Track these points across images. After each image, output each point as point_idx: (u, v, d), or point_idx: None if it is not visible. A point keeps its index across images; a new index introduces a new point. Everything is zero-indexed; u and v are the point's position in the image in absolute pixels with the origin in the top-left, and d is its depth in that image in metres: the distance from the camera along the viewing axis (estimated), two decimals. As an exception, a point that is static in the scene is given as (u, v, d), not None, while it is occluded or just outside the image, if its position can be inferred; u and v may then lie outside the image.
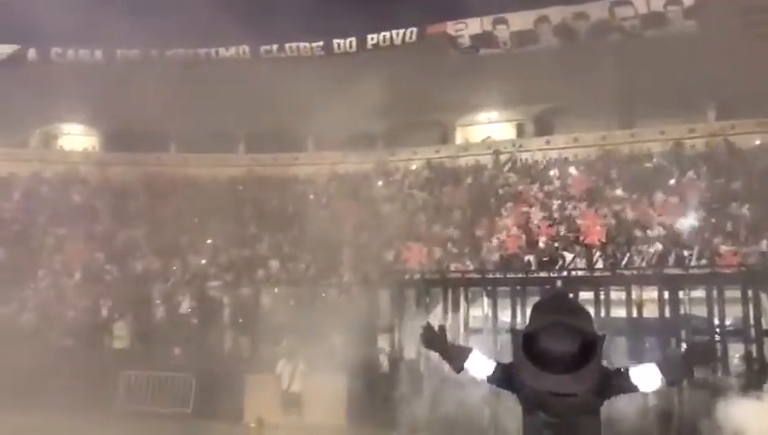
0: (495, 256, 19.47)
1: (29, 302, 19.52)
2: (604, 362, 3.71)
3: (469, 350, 4.04)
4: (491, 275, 16.04)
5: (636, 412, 10.83)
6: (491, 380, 3.91)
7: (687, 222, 18.96)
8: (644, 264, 17.26)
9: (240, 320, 17.56)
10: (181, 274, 21.13)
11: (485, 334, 13.99)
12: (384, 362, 14.73)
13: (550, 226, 20.23)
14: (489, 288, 14.62)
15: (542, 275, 15.87)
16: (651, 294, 13.43)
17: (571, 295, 4.35)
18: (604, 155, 24.88)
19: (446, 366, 4.26)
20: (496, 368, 3.88)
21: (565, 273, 16.14)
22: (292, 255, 21.23)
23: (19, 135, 29.97)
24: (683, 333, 12.99)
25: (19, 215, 25.19)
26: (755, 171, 20.96)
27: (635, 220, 19.72)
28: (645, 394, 11.29)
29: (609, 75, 22.51)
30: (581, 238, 19.16)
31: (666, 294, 13.12)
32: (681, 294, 13.40)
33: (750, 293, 12.92)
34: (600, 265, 17.67)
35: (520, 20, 26.04)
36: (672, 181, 21.81)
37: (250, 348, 16.61)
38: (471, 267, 18.54)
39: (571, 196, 22.20)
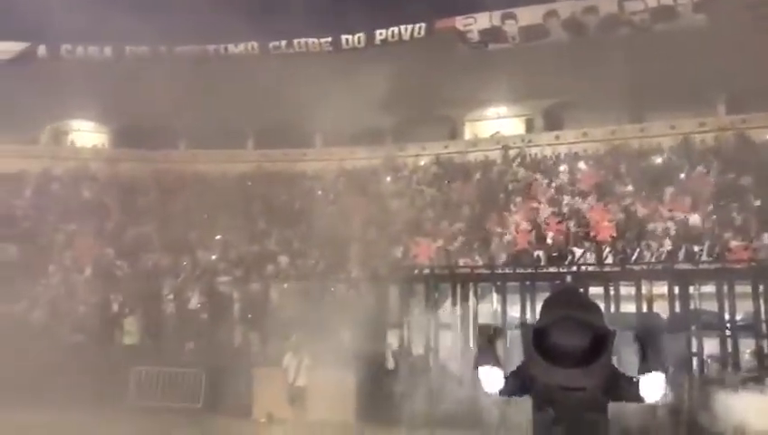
0: (505, 252, 19.44)
1: (40, 298, 19.63)
2: (614, 358, 3.72)
3: (495, 360, 3.95)
4: (500, 271, 16.00)
5: (645, 407, 10.81)
6: (503, 393, 3.90)
7: (697, 217, 18.87)
8: (654, 259, 17.19)
9: (249, 315, 17.62)
10: (191, 269, 21.21)
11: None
12: (392, 357, 14.73)
13: (559, 221, 20.17)
14: (498, 283, 14.60)
15: (552, 270, 15.81)
16: (661, 289, 13.38)
17: (581, 291, 4.36)
18: (614, 150, 24.77)
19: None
20: (507, 380, 3.86)
21: (575, 268, 16.09)
22: (301, 250, 21.26)
23: (29, 132, 30.11)
24: (693, 329, 12.93)
25: (30, 211, 25.32)
26: (766, 165, 20.82)
27: (645, 215, 19.65)
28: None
29: (619, 69, 22.37)
30: (591, 234, 19.11)
31: (676, 290, 13.06)
32: (691, 289, 13.34)
33: (761, 288, 12.85)
34: (609, 260, 17.61)
35: (529, 15, 25.96)
36: (682, 176, 21.71)
37: (259, 343, 16.66)
38: (480, 263, 18.53)
39: (581, 191, 22.12)
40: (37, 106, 27.13)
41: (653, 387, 3.64)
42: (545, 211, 21.02)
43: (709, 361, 13.07)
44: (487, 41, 26.51)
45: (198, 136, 29.20)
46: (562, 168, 24.38)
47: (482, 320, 14.23)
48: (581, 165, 24.02)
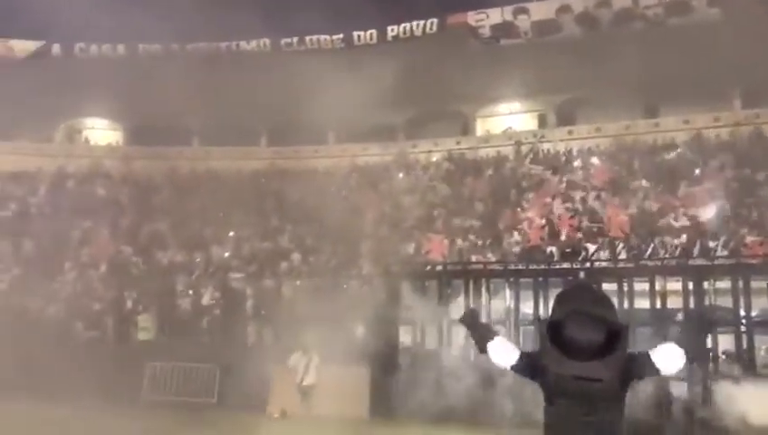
0: (517, 248, 19.40)
1: (55, 295, 19.81)
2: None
3: (494, 333, 4.07)
4: (513, 267, 15.99)
5: (659, 405, 10.78)
6: (515, 368, 3.91)
7: (712, 212, 18.74)
8: (668, 255, 17.10)
9: (263, 312, 17.70)
10: (205, 266, 21.32)
11: (508, 326, 13.97)
12: (405, 353, 14.75)
13: (572, 217, 20.10)
14: (511, 280, 14.59)
15: (565, 266, 15.78)
16: (675, 285, 13.32)
17: (594, 286, 4.38)
18: (627, 145, 24.64)
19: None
20: (521, 357, 3.88)
21: (588, 264, 16.04)
22: (313, 247, 21.31)
23: (44, 130, 30.38)
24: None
25: (45, 209, 25.55)
26: (782, 160, 20.67)
27: (659, 211, 19.54)
28: (668, 386, 11.25)
29: (632, 64, 22.22)
30: (605, 229, 19.04)
31: (690, 285, 12.99)
32: (706, 284, 13.27)
33: (777, 283, 12.77)
34: (623, 256, 17.53)
35: (541, 9, 25.85)
36: (697, 171, 21.56)
37: (273, 340, 16.73)
38: (492, 259, 18.51)
39: (594, 186, 22.03)
40: (52, 104, 27.35)
41: (668, 357, 3.64)
42: (558, 207, 20.96)
43: (724, 357, 13.01)
44: (499, 36, 26.42)
45: (211, 133, 29.33)
46: (575, 163, 24.28)
47: (495, 316, 14.26)
48: (594, 160, 23.91)
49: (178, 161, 28.20)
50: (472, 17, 26.74)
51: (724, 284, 13.32)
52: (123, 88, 25.80)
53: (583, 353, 3.59)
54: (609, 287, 12.61)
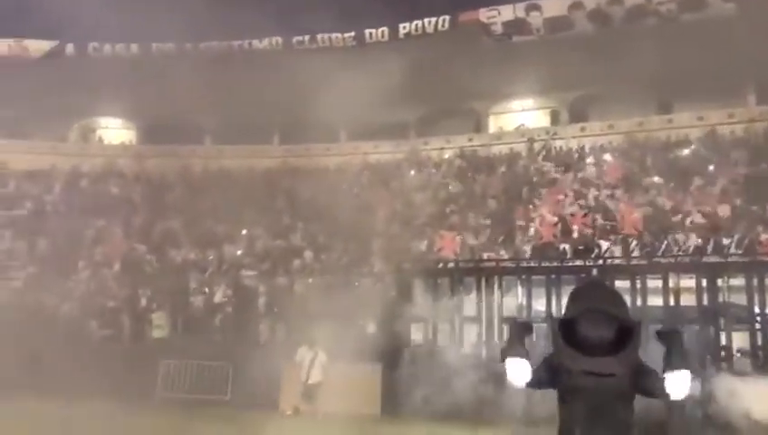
0: (530, 245, 19.36)
1: (70, 293, 19.97)
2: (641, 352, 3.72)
3: (523, 354, 3.92)
4: (525, 264, 15.94)
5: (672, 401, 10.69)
6: (530, 385, 3.90)
7: (726, 209, 18.61)
8: (681, 252, 17.00)
9: (275, 309, 17.76)
10: (218, 264, 21.42)
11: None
12: (417, 351, 14.75)
13: (585, 214, 20.03)
14: (524, 277, 14.54)
15: (578, 263, 15.71)
16: (689, 282, 13.24)
17: (607, 284, 4.39)
18: (640, 142, 24.50)
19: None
20: (533, 372, 3.87)
21: (601, 261, 15.98)
22: (325, 245, 21.36)
23: (59, 129, 30.63)
24: (722, 322, 12.78)
25: (60, 207, 25.76)
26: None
27: (672, 208, 19.44)
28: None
29: (646, 60, 22.11)
30: (618, 227, 18.96)
31: (704, 283, 12.91)
32: (720, 282, 13.18)
33: (792, 281, 12.66)
34: (636, 253, 17.46)
35: (553, 6, 25.75)
36: (711, 168, 21.41)
37: (285, 337, 16.78)
38: (505, 256, 18.47)
39: (607, 183, 21.94)
40: (66, 104, 27.57)
41: (678, 384, 3.64)
42: (571, 204, 20.88)
43: (738, 354, 12.91)
44: (511, 33, 26.34)
45: (224, 132, 29.45)
46: (588, 160, 24.18)
47: (507, 313, 14.23)
48: (607, 157, 23.80)
49: (191, 160, 28.34)
50: (484, 14, 26.69)
51: (737, 281, 13.21)
52: (136, 87, 25.96)
53: (596, 350, 3.61)
54: (621, 285, 12.56)
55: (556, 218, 20.14)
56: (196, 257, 22.02)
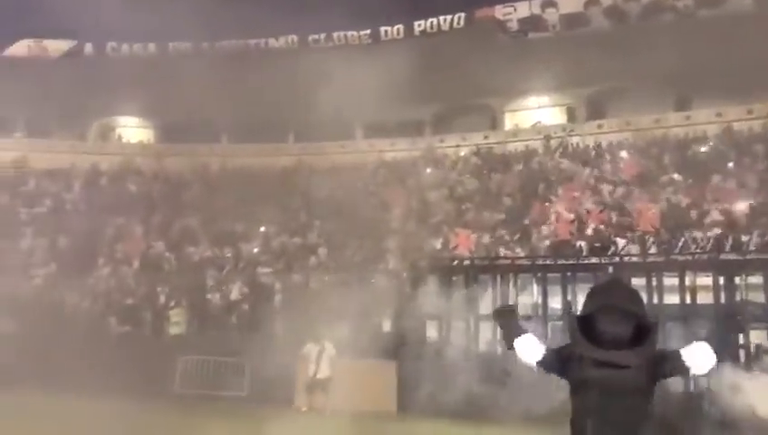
0: (546, 243, 19.30)
1: (90, 290, 20.20)
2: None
3: (524, 331, 4.10)
4: (541, 262, 15.92)
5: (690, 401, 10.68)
6: (541, 364, 3.96)
7: (745, 206, 18.45)
8: (699, 249, 16.88)
9: (291, 306, 17.85)
10: (235, 261, 21.56)
11: (536, 321, 13.93)
12: (432, 348, 14.79)
13: (601, 211, 19.94)
14: (539, 274, 14.54)
15: (593, 261, 15.66)
16: (706, 280, 13.17)
17: (626, 282, 4.42)
18: (658, 138, 24.33)
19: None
20: (547, 353, 3.94)
21: (617, 259, 15.91)
22: (341, 242, 21.43)
23: (78, 128, 30.97)
24: (739, 319, 12.68)
25: (79, 205, 26.05)
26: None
27: (689, 205, 19.30)
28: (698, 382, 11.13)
29: (663, 57, 21.93)
30: (634, 224, 18.86)
31: (721, 281, 12.84)
32: (738, 279, 13.10)
33: (810, 278, 12.56)
34: (653, 250, 17.36)
35: (569, 2, 25.67)
36: (730, 164, 21.22)
37: (300, 333, 16.87)
38: (521, 254, 18.44)
39: (624, 180, 21.82)
40: (85, 103, 27.86)
41: (698, 356, 3.66)
42: (587, 201, 20.80)
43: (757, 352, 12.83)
44: (527, 30, 26.29)
45: (240, 130, 29.60)
46: (605, 157, 24.06)
47: (523, 311, 14.22)
48: (624, 154, 23.66)
49: (208, 158, 28.53)
50: (499, 11, 26.64)
51: (756, 279, 13.12)
52: (154, 86, 26.16)
53: (613, 345, 3.65)
54: (637, 282, 12.52)
55: (572, 216, 20.07)
56: (213, 255, 22.18)
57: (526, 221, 20.78)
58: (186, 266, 21.54)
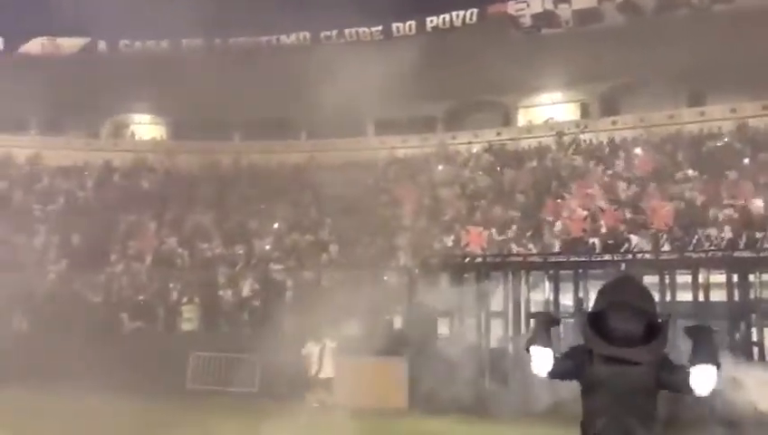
0: (559, 240, 19.21)
1: (103, 286, 20.33)
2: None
3: (547, 343, 3.93)
4: (553, 259, 15.83)
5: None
6: (552, 375, 3.91)
7: (760, 203, 18.27)
8: (713, 247, 16.74)
9: (302, 303, 17.88)
10: (246, 258, 21.63)
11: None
12: (444, 345, 14.76)
13: (615, 209, 19.82)
14: (551, 272, 14.46)
15: (606, 258, 15.56)
16: (719, 277, 13.06)
17: (638, 279, 4.40)
18: (672, 134, 24.14)
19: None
20: (556, 362, 3.88)
21: (629, 256, 15.80)
22: (352, 239, 21.44)
23: (92, 126, 31.16)
24: (753, 318, 12.59)
25: (93, 202, 26.22)
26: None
27: (704, 202, 19.14)
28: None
29: (677, 52, 21.74)
30: (649, 221, 18.73)
31: (735, 278, 12.72)
32: (752, 277, 12.97)
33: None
34: (666, 248, 17.22)
35: (583, -2, 25.50)
36: (745, 161, 21.03)
37: (311, 330, 16.89)
38: (534, 251, 18.36)
39: (638, 177, 21.67)
40: (98, 100, 28.01)
41: (704, 379, 3.61)
42: (600, 198, 20.67)
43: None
44: (540, 25, 26.13)
45: (252, 127, 29.66)
46: (618, 154, 23.90)
47: (534, 309, 14.16)
48: (638, 151, 23.49)
49: (221, 155, 28.61)
50: (512, 7, 26.49)
51: (771, 277, 12.99)
52: (167, 83, 26.24)
53: (623, 342, 3.64)
54: (650, 280, 12.42)
55: (585, 213, 19.96)
56: (225, 252, 22.26)
57: (539, 218, 20.69)
58: (198, 263, 21.64)
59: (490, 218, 21.12)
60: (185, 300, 19.54)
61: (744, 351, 12.13)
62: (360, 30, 27.97)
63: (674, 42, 21.49)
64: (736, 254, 14.46)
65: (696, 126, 24.29)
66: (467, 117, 29.38)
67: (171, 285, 20.02)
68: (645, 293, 3.88)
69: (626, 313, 3.65)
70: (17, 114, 29.59)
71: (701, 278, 12.96)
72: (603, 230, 18.95)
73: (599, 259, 15.51)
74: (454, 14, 26.98)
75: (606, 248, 17.66)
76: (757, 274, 13.02)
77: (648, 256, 15.82)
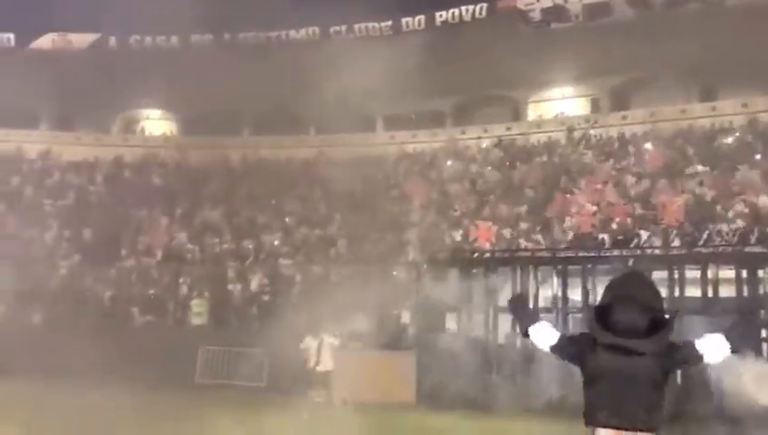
0: (568, 235, 19.16)
1: (114, 280, 20.46)
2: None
3: (538, 318, 4.15)
4: (561, 254, 15.80)
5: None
6: (554, 349, 3.98)
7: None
8: (724, 242, 16.63)
9: (311, 298, 17.92)
10: (256, 253, 21.69)
11: (555, 313, 13.84)
12: (451, 340, 14.77)
13: (625, 204, 19.74)
14: (559, 267, 14.42)
15: (614, 253, 15.51)
16: (729, 273, 12.99)
17: (646, 275, 4.41)
18: (683, 129, 23.99)
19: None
20: (561, 338, 3.97)
21: (638, 251, 15.74)
22: (361, 234, 21.46)
23: (102, 121, 31.30)
24: (762, 313, 12.52)
25: (104, 197, 26.36)
26: None
27: (715, 197, 19.03)
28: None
29: (688, 46, 21.59)
30: (659, 217, 18.64)
31: (744, 273, 12.65)
32: (761, 272, 12.89)
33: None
34: (676, 243, 17.14)
35: (593, -9, 25.32)
36: (757, 156, 20.87)
37: (319, 325, 16.92)
38: (543, 246, 18.32)
39: (648, 172, 21.56)
40: (109, 96, 28.13)
41: (713, 345, 3.66)
42: (610, 194, 20.59)
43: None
44: (550, 20, 26.00)
45: (262, 123, 29.70)
46: (629, 149, 23.78)
47: (543, 304, 14.17)
48: (648, 146, 23.37)
49: (230, 150, 28.67)
50: (521, 1, 26.38)
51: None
52: (177, 79, 26.32)
53: (628, 334, 3.66)
54: (659, 275, 12.38)
55: (595, 208, 19.89)
56: (235, 246, 22.33)
57: (548, 214, 20.63)
58: (207, 258, 21.73)
59: (499, 214, 21.09)
60: (194, 294, 19.63)
61: (752, 347, 12.05)
62: (370, 25, 27.94)
63: (684, 36, 21.33)
64: (747, 249, 14.39)
65: (707, 121, 24.12)
66: (477, 112, 29.29)
67: (181, 280, 20.11)
68: (651, 288, 3.91)
69: (631, 306, 3.68)
70: (28, 110, 29.80)
71: (710, 274, 12.89)
72: (613, 226, 18.88)
73: (607, 254, 15.46)
74: (463, 8, 26.89)
75: (615, 244, 17.60)
76: (767, 269, 12.94)
77: (657, 251, 15.77)
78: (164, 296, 19.69)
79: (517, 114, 29.58)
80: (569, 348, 3.91)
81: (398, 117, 28.66)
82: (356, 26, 28.11)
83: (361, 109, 28.40)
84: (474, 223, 20.18)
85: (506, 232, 19.70)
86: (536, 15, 26.23)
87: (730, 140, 22.63)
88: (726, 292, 12.82)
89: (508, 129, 28.04)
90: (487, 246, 18.50)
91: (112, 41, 29.71)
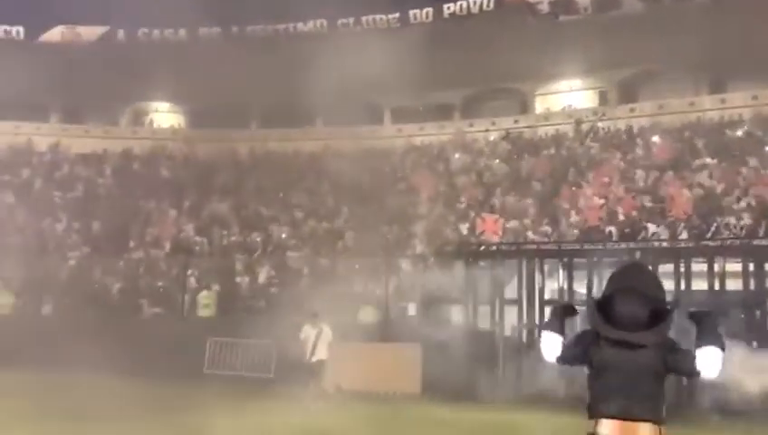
0: (575, 228, 19.14)
1: (122, 272, 20.59)
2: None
3: (559, 331, 4.00)
4: (567, 247, 15.78)
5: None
6: (560, 360, 3.96)
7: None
8: (732, 235, 16.59)
9: (318, 290, 17.99)
10: (263, 245, 21.78)
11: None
12: (458, 333, 14.80)
13: (633, 196, 19.70)
14: (566, 260, 14.41)
15: (621, 246, 15.48)
16: (736, 266, 12.95)
17: (649, 267, 4.42)
18: (692, 122, 23.89)
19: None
20: (564, 348, 3.92)
21: (646, 244, 15.71)
22: (369, 226, 21.49)
23: (111, 114, 31.45)
24: (768, 306, 12.49)
25: (112, 189, 26.50)
26: None
27: (723, 190, 18.97)
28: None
29: (697, 39, 21.49)
30: (667, 210, 18.60)
31: (751, 267, 12.61)
32: (768, 266, 12.85)
33: None
34: (684, 236, 17.10)
35: (601, -16, 25.24)
36: (767, 149, 20.78)
37: (326, 316, 17.00)
38: (550, 239, 18.32)
39: (656, 165, 21.50)
40: (117, 88, 28.24)
41: (710, 361, 3.65)
42: (618, 187, 20.55)
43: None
44: (558, 12, 25.96)
45: (269, 115, 29.75)
46: (637, 141, 23.72)
47: (548, 296, 14.17)
48: (656, 138, 23.29)
49: (238, 143, 28.74)
50: (530, -6, 26.33)
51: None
52: (185, 71, 26.41)
53: (629, 326, 3.69)
54: (666, 268, 12.37)
55: (602, 201, 19.86)
56: (243, 239, 22.42)
57: (556, 207, 20.62)
58: (216, 250, 21.83)
59: (506, 206, 21.09)
60: (203, 287, 19.73)
61: (759, 340, 12.04)
62: (377, 17, 27.94)
63: (693, 28, 21.24)
64: (755, 242, 14.33)
65: (715, 113, 24.03)
66: (484, 104, 29.27)
67: (189, 272, 20.18)
68: (653, 279, 3.93)
69: (632, 298, 3.70)
70: (38, 103, 29.94)
71: (717, 267, 12.86)
72: (620, 218, 18.86)
73: (613, 247, 15.41)
74: (471, 0, 26.83)
75: (623, 237, 17.57)
76: (775, 263, 12.90)
77: (664, 244, 15.73)
78: (172, 288, 19.79)
79: (525, 107, 29.54)
80: (573, 350, 3.89)
81: (405, 109, 28.65)
82: (363, 18, 28.12)
83: (369, 101, 28.43)
84: (480, 216, 20.19)
85: (513, 225, 19.70)
86: (544, 8, 26.20)
87: (739, 132, 22.54)
88: (733, 285, 12.79)
89: (516, 121, 28.03)
90: (494, 238, 18.50)
91: (121, 34, 29.82)
